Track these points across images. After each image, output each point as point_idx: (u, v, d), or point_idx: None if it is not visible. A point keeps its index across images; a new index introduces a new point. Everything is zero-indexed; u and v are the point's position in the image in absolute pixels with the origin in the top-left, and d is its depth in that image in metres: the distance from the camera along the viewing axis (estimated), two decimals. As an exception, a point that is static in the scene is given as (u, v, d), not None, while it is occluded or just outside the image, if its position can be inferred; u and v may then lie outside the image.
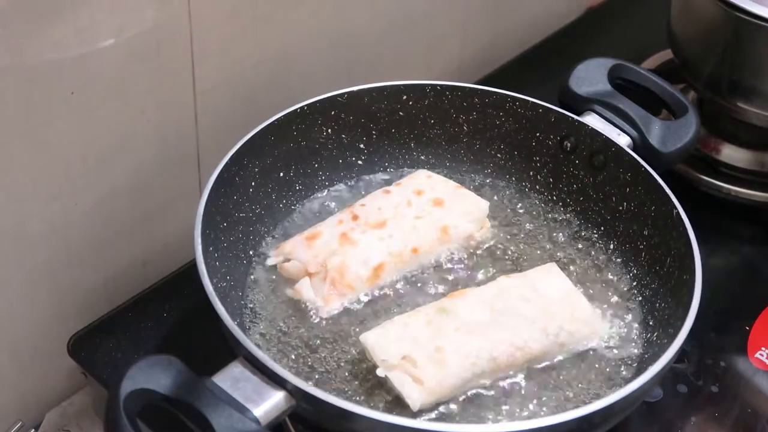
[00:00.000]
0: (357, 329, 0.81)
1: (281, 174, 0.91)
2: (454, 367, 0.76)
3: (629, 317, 0.85)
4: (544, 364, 0.80)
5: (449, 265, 0.88)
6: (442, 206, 0.90)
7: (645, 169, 0.87)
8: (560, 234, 0.92)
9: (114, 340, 0.88)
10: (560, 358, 0.80)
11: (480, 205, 0.91)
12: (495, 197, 0.95)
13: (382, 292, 0.85)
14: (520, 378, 0.79)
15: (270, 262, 0.86)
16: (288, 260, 0.85)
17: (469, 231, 0.89)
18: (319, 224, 0.88)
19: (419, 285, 0.86)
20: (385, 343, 0.76)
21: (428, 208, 0.89)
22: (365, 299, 0.84)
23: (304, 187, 0.93)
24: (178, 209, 0.93)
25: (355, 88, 0.93)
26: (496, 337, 0.78)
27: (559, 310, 0.81)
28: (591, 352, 0.81)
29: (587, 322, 0.82)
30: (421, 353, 0.76)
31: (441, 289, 0.86)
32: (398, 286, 0.86)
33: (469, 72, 1.22)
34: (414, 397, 0.74)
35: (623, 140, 0.91)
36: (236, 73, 0.93)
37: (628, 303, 0.86)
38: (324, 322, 0.82)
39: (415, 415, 0.75)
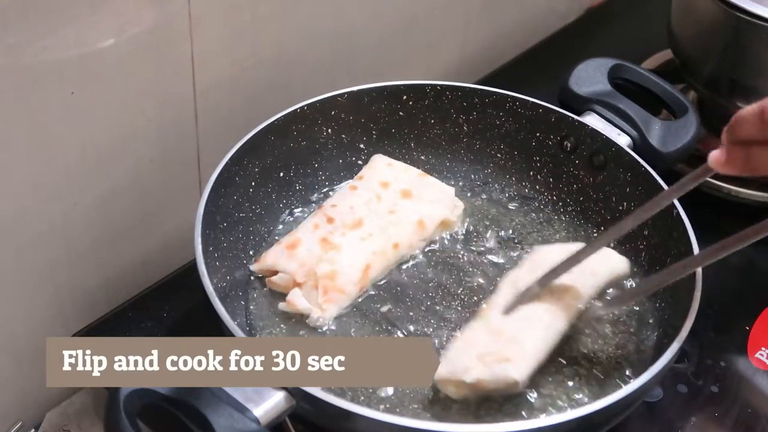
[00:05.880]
0: (355, 330, 0.82)
1: (281, 174, 0.91)
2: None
3: (629, 317, 0.85)
4: (544, 365, 0.80)
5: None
6: (411, 197, 0.90)
7: (645, 169, 0.87)
8: (560, 234, 0.92)
9: (114, 340, 0.87)
10: (561, 359, 0.80)
11: (446, 191, 0.92)
12: (495, 197, 0.95)
13: (373, 290, 0.85)
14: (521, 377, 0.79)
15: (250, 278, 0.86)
16: (274, 273, 0.84)
17: (444, 216, 0.90)
18: (295, 231, 0.88)
19: (411, 274, 0.87)
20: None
21: (399, 202, 0.90)
22: (359, 299, 0.84)
23: (304, 187, 0.93)
24: (178, 209, 0.93)
25: (355, 88, 0.93)
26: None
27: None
28: (591, 352, 0.81)
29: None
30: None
31: (431, 274, 0.87)
32: (388, 280, 0.86)
33: (469, 72, 1.22)
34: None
35: (623, 140, 0.91)
36: (236, 73, 0.93)
37: (628, 303, 0.86)
38: (323, 322, 0.82)
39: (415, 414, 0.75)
